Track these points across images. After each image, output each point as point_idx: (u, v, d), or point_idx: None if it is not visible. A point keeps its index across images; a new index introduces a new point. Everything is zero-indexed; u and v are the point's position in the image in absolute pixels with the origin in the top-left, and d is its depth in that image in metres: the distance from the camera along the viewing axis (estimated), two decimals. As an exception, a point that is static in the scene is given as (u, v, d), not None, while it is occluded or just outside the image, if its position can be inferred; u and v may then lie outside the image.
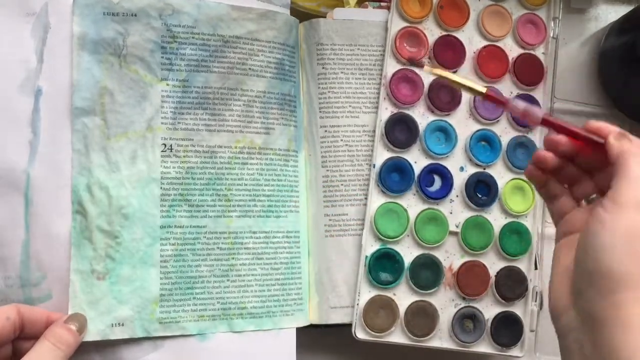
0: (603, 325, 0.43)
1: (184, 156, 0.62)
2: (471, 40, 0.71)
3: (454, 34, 0.71)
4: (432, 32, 0.70)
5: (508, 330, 0.67)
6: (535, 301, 0.68)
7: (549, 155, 0.52)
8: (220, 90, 0.63)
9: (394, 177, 0.67)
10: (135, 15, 0.61)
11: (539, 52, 0.72)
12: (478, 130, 0.70)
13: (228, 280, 0.62)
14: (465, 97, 0.70)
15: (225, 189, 0.63)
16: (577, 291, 0.46)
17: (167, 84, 0.62)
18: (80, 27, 0.60)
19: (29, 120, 0.59)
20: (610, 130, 0.48)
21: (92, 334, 0.58)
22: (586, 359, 0.44)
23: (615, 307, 0.43)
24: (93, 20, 0.60)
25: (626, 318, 0.42)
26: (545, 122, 0.51)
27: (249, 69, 0.64)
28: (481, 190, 0.69)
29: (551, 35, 0.72)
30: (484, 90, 0.52)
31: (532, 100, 0.70)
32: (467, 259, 0.69)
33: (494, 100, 0.52)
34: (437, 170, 0.68)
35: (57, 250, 0.58)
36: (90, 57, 0.60)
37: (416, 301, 0.67)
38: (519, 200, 0.70)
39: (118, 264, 0.59)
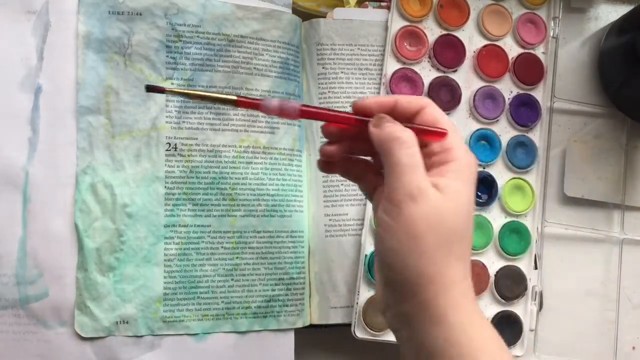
0: (414, 324, 0.45)
1: (189, 155, 0.63)
2: (471, 39, 0.72)
3: (454, 33, 0.72)
4: (432, 31, 0.71)
5: (507, 329, 0.69)
6: (535, 301, 0.70)
7: (332, 149, 0.52)
8: (225, 89, 0.64)
9: (394, 177, 0.68)
10: (141, 14, 0.62)
11: (539, 52, 0.73)
12: (478, 130, 0.71)
13: (232, 279, 0.63)
14: (465, 96, 0.71)
15: (230, 188, 0.64)
16: (385, 298, 0.48)
17: (172, 83, 0.63)
18: (85, 25, 0.61)
19: (29, 117, 0.60)
20: (374, 112, 0.49)
21: (98, 331, 0.59)
22: (411, 354, 0.46)
23: (421, 308, 0.44)
24: (98, 19, 0.61)
25: (432, 314, 0.44)
26: (304, 114, 0.51)
27: (254, 68, 0.65)
28: (481, 190, 0.70)
29: (551, 34, 0.73)
30: (234, 98, 0.51)
31: (531, 100, 0.72)
32: (466, 258, 0.70)
33: (245, 105, 0.52)
34: (437, 170, 0.69)
35: (55, 248, 0.60)
36: (96, 56, 0.61)
37: (416, 301, 0.68)
38: (519, 200, 0.71)
39: (122, 262, 0.60)
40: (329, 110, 0.50)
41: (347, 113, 0.50)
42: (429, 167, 0.47)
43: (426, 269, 0.44)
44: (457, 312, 0.44)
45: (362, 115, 0.49)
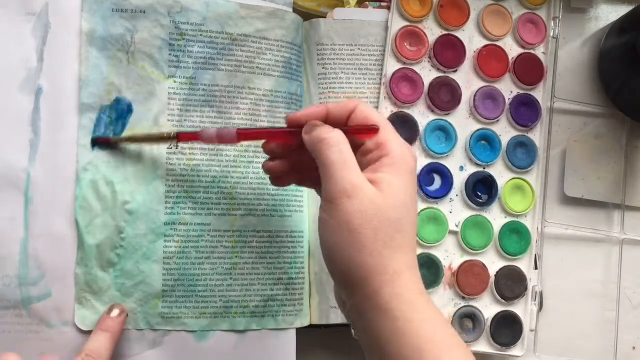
0: (364, 316, 0.47)
1: (190, 153, 0.63)
2: (471, 39, 0.73)
3: (454, 33, 0.72)
4: (432, 31, 0.72)
5: (507, 329, 0.69)
6: (535, 301, 0.70)
7: (273, 164, 0.56)
8: (227, 88, 0.64)
9: (394, 176, 0.69)
10: (144, 11, 0.62)
11: (539, 52, 0.74)
12: (478, 130, 0.71)
13: (231, 278, 0.63)
14: (465, 96, 0.71)
15: (230, 187, 0.64)
16: (338, 294, 0.51)
17: (174, 81, 0.63)
18: (88, 23, 0.61)
19: (30, 119, 0.60)
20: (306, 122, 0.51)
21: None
22: (365, 345, 0.49)
23: (368, 300, 0.46)
24: (102, 16, 0.61)
25: (377, 306, 0.46)
26: (242, 137, 0.54)
27: (257, 67, 0.66)
28: (481, 190, 0.70)
29: (551, 34, 0.74)
30: (175, 134, 0.58)
31: (531, 100, 0.72)
32: (466, 258, 0.70)
33: (186, 138, 0.58)
34: (437, 170, 0.70)
35: (57, 249, 0.60)
36: (99, 53, 0.61)
37: (416, 300, 0.68)
38: (519, 200, 0.71)
39: (122, 258, 0.61)
40: (265, 129, 0.53)
41: (283, 128, 0.53)
42: (366, 164, 0.50)
43: (366, 261, 0.46)
44: (402, 303, 0.46)
45: (297, 128, 0.52)
